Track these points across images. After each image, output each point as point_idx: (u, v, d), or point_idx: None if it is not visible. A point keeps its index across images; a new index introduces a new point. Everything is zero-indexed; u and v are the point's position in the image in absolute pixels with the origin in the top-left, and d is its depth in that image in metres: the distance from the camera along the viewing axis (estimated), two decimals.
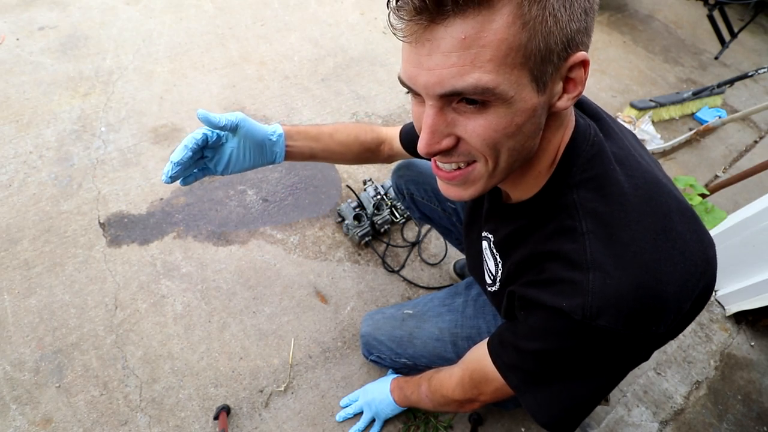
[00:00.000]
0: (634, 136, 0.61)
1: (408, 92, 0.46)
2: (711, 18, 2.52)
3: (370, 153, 0.92)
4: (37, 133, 1.57)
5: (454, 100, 0.42)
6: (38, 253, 1.29)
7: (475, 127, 0.43)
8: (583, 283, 0.44)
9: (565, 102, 0.44)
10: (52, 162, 1.50)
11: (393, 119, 1.88)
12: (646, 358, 0.52)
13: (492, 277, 0.66)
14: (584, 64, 0.42)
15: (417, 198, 1.08)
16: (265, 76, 1.94)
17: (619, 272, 0.43)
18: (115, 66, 1.84)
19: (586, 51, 0.42)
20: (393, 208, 1.49)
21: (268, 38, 2.12)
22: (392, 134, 0.94)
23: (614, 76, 2.36)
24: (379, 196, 1.46)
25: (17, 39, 1.87)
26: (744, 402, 1.30)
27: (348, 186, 1.46)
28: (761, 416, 1.27)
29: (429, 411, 1.13)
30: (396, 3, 0.39)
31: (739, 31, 2.57)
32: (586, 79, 0.43)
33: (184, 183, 0.72)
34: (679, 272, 0.44)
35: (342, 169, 1.65)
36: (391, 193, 1.49)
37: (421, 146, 0.44)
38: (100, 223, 1.38)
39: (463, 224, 0.82)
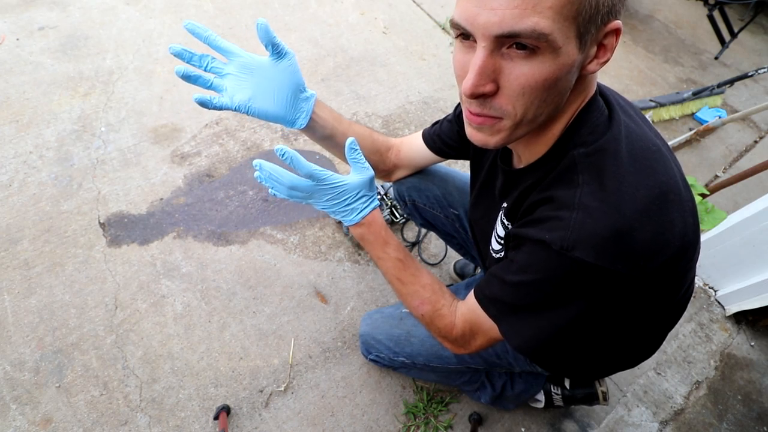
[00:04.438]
0: (634, 107, 0.64)
1: (457, 36, 0.48)
2: (711, 18, 2.52)
3: (378, 155, 0.94)
4: (37, 133, 1.57)
5: (506, 43, 0.44)
6: (38, 253, 1.29)
7: (518, 75, 0.46)
8: (567, 220, 0.49)
9: (594, 66, 0.48)
10: (52, 162, 1.50)
11: (393, 119, 1.88)
12: (631, 305, 0.54)
13: (501, 242, 0.69)
14: (617, 32, 0.46)
15: (419, 204, 1.09)
16: None
17: (601, 215, 0.48)
18: (115, 66, 1.84)
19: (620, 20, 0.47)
20: (393, 209, 1.49)
21: None
22: (399, 142, 0.96)
23: (614, 76, 2.36)
24: (379, 196, 1.46)
25: (17, 39, 1.87)
26: (744, 402, 1.30)
27: None
28: (761, 416, 1.27)
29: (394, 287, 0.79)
30: None
31: (739, 31, 2.57)
32: (615, 47, 0.48)
33: (201, 102, 0.67)
34: (654, 225, 0.48)
35: (342, 168, 1.65)
36: (392, 193, 1.49)
37: (467, 86, 0.47)
38: (100, 223, 1.38)
39: (469, 204, 0.86)
